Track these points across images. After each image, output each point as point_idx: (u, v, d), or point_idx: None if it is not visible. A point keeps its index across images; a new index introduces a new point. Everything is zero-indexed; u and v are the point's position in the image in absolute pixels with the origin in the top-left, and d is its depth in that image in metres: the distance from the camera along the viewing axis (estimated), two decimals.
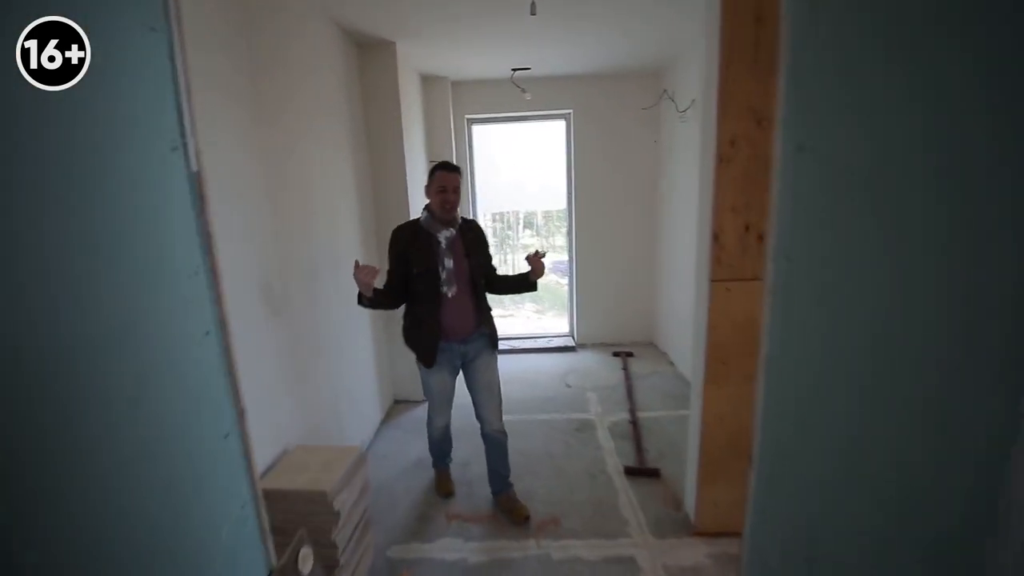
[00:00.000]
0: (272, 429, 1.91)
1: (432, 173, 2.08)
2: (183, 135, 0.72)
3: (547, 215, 11.43)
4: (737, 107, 1.71)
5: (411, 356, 2.25)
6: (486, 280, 2.20)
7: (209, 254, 0.76)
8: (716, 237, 1.79)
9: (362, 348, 2.97)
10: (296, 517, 1.67)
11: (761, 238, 1.78)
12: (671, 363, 4.10)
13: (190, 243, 0.73)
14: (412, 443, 2.92)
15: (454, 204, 2.07)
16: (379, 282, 2.03)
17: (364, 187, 3.12)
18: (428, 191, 2.10)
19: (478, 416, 2.30)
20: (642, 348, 4.50)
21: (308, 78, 2.39)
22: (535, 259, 2.10)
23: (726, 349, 1.93)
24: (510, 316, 7.76)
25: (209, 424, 0.77)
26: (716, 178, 1.74)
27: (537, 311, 8.20)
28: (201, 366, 0.76)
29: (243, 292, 1.75)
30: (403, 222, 2.23)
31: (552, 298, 8.81)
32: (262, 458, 1.82)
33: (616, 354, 4.33)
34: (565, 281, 9.12)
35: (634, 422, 3.08)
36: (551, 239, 11.85)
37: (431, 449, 2.55)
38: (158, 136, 0.69)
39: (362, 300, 2.01)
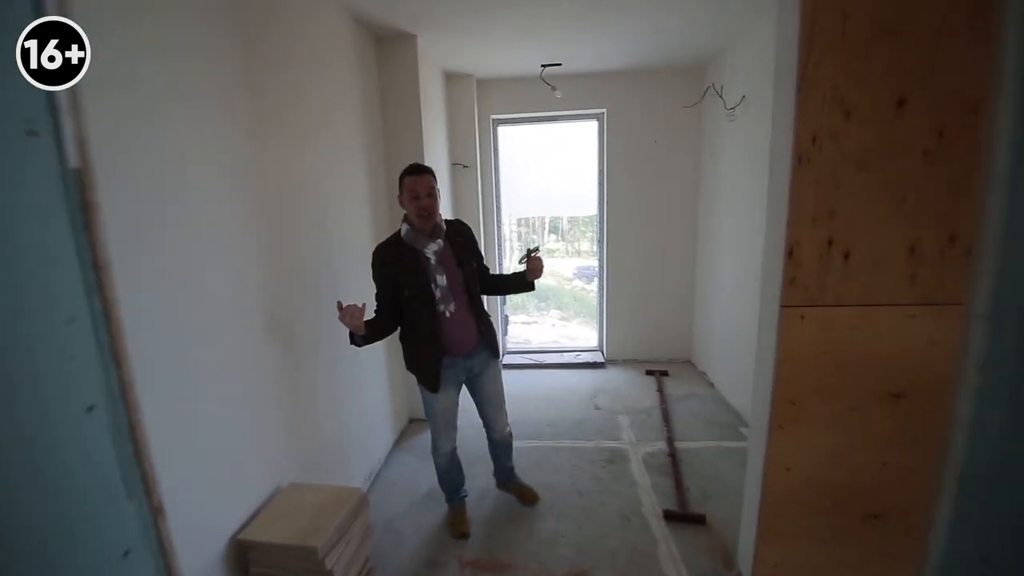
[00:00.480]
0: (262, 463, 1.68)
1: (400, 180, 1.87)
2: (52, 112, 0.47)
3: (572, 220, 11.14)
4: (820, 96, 1.40)
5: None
6: (488, 282, 2.12)
7: (99, 292, 0.51)
8: (791, 253, 1.48)
9: (373, 365, 2.74)
10: (283, 574, 1.43)
11: (847, 255, 1.46)
12: (710, 384, 3.74)
13: (65, 275, 0.48)
14: (426, 469, 2.66)
15: (432, 210, 1.85)
16: (368, 312, 1.81)
17: (379, 193, 2.89)
18: (401, 201, 1.89)
19: (487, 426, 2.27)
20: (678, 366, 4.15)
21: (318, 75, 2.17)
22: (532, 259, 1.98)
23: (797, 387, 1.60)
24: (534, 323, 7.48)
25: (97, 541, 0.51)
26: (793, 182, 1.42)
27: (563, 318, 7.90)
28: (81, 454, 0.50)
29: (226, 310, 1.52)
30: (384, 240, 1.97)
31: (578, 305, 8.50)
32: (249, 499, 1.59)
33: (650, 372, 4.00)
34: (592, 287, 8.90)
35: (672, 454, 2.76)
36: (576, 244, 11.54)
37: (441, 482, 2.30)
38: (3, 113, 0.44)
39: (355, 340, 1.78)
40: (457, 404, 2.14)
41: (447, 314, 1.90)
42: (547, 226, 11.28)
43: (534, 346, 4.89)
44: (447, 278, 1.90)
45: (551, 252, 10.94)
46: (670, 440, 2.92)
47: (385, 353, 2.88)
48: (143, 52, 1.21)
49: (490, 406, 2.21)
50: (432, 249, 1.87)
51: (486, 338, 2.07)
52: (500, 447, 2.35)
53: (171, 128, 1.29)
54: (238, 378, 1.55)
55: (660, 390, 3.62)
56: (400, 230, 1.92)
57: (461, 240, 1.99)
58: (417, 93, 2.95)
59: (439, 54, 3.27)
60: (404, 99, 2.95)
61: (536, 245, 2.03)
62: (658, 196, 4.01)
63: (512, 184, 4.65)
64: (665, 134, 3.90)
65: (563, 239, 11.65)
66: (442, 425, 2.10)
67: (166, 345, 1.25)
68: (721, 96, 3.12)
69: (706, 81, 3.67)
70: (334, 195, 2.31)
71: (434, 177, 1.89)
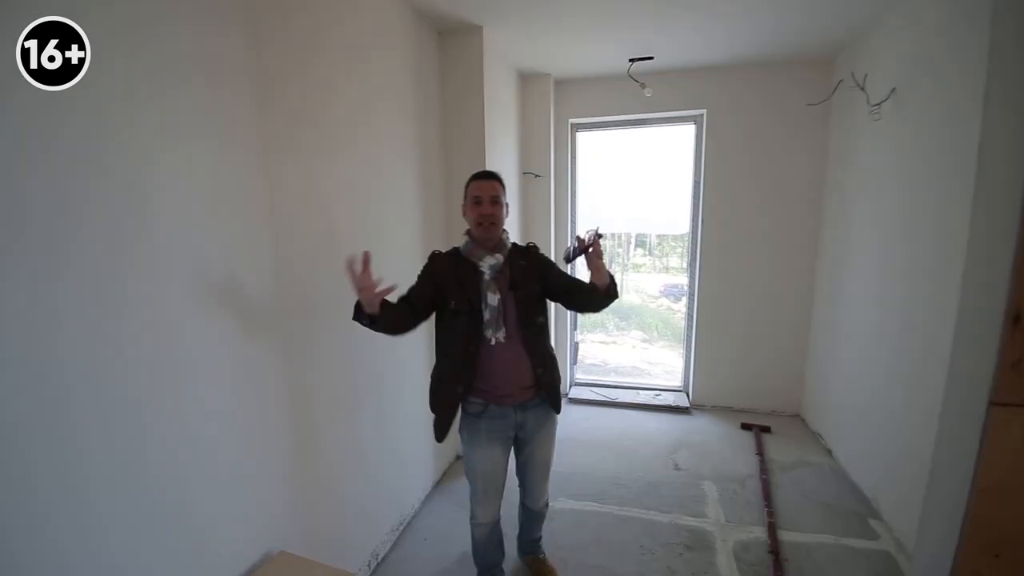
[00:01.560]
0: (246, 523, 1.38)
1: (466, 187, 1.68)
2: None
3: (662, 235, 10.33)
4: None
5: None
6: (569, 296, 1.71)
7: None
8: (1016, 320, 0.89)
9: (412, 391, 2.41)
10: None
11: None
12: (827, 451, 2.97)
13: None
14: (465, 524, 2.28)
15: (494, 218, 1.61)
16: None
17: (432, 206, 2.58)
18: (464, 211, 1.68)
19: (524, 492, 1.90)
20: (783, 422, 3.39)
21: (359, 69, 1.90)
22: (593, 254, 1.55)
23: (1006, 531, 0.99)
24: (612, 343, 6.87)
25: None
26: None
27: (645, 340, 7.22)
28: None
29: (219, 334, 1.25)
30: (448, 250, 1.71)
31: (662, 326, 7.75)
32: (226, 570, 1.30)
33: (746, 427, 3.30)
34: (679, 307, 8.09)
35: (775, 551, 2.11)
36: (665, 259, 10.66)
37: (475, 555, 1.90)
38: None
39: (361, 315, 1.43)
40: (505, 468, 1.75)
41: (493, 342, 1.57)
42: (633, 240, 10.58)
43: (606, 379, 4.34)
44: (500, 299, 1.59)
45: (636, 268, 10.22)
46: (772, 528, 2.27)
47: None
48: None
49: (536, 473, 1.82)
50: (489, 263, 1.60)
51: (545, 387, 1.68)
52: (532, 517, 1.98)
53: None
54: (211, 419, 1.27)
55: (760, 453, 2.92)
56: (459, 246, 1.68)
57: (523, 264, 1.68)
58: (481, 92, 2.61)
59: (512, 51, 2.93)
60: (466, 99, 2.63)
61: (592, 231, 1.54)
62: (767, 213, 3.32)
63: (590, 197, 4.18)
64: (779, 139, 3.22)
65: (650, 254, 10.88)
66: (482, 490, 1.74)
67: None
68: (863, 88, 2.42)
69: (836, 74, 2.96)
70: (372, 210, 2.02)
71: (502, 186, 1.66)
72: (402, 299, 1.57)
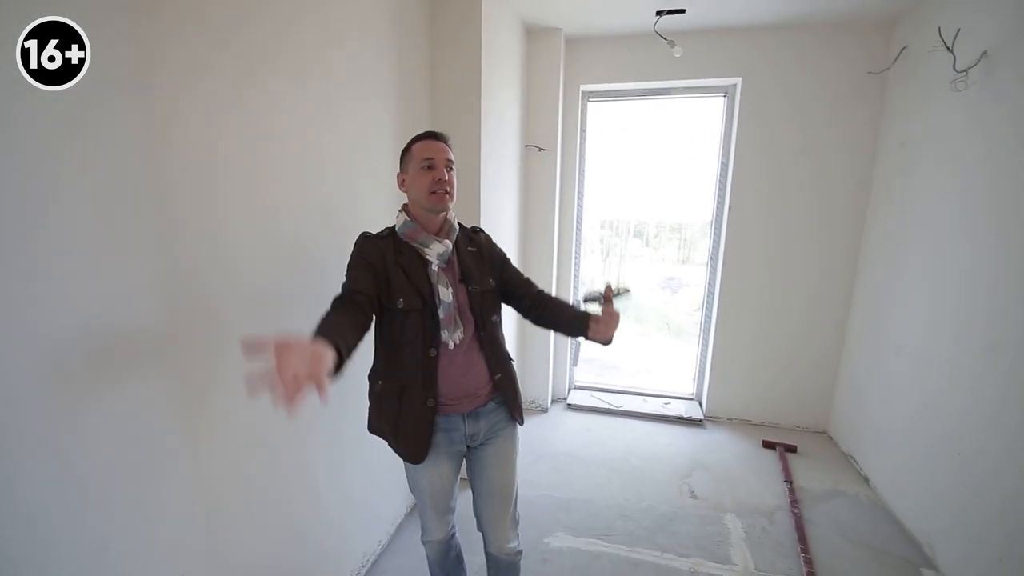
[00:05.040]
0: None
1: (406, 150, 1.32)
2: None
3: (660, 225, 9.92)
4: None
5: None
6: (531, 305, 1.43)
7: None
8: None
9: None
10: None
11: None
12: (863, 479, 2.59)
13: None
14: None
15: (452, 187, 1.29)
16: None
17: None
18: (403, 181, 1.33)
19: (485, 537, 1.47)
20: (809, 440, 3.01)
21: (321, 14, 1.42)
22: (607, 308, 1.30)
23: None
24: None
25: None
26: None
27: (642, 334, 6.86)
28: None
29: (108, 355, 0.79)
30: (380, 232, 1.34)
31: (659, 319, 7.41)
32: None
33: (769, 445, 2.91)
34: (676, 299, 7.75)
35: None
36: (661, 251, 10.24)
37: None
38: None
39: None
40: (454, 484, 1.46)
41: (450, 344, 1.27)
42: (632, 231, 10.16)
43: (605, 379, 3.93)
44: (453, 294, 1.29)
45: (634, 259, 9.82)
46: None
47: None
48: None
49: (495, 505, 1.41)
50: (437, 251, 1.29)
51: (501, 391, 1.38)
52: (500, 570, 1.50)
53: None
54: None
55: (789, 481, 2.53)
56: (395, 224, 1.32)
57: (473, 251, 1.39)
58: (478, 46, 2.13)
59: None
60: (459, 56, 2.15)
61: (620, 288, 1.29)
62: (803, 203, 2.89)
63: (600, 177, 3.72)
64: (823, 115, 2.77)
65: (648, 245, 10.48)
66: (431, 508, 1.44)
67: None
68: (951, 49, 1.97)
69: (896, 39, 2.50)
70: (337, 184, 1.55)
71: (451, 151, 1.31)
72: (343, 305, 1.15)
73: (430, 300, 1.25)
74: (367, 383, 1.36)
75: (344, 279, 1.23)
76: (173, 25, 0.97)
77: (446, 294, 1.27)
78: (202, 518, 1.11)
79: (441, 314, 1.25)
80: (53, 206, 0.79)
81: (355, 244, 1.29)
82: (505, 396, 1.39)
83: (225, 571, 1.19)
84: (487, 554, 1.52)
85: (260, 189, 1.25)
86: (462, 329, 1.29)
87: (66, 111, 0.79)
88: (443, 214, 1.31)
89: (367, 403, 1.35)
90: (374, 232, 1.32)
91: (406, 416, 1.28)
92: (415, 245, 1.28)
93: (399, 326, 1.24)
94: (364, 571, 1.85)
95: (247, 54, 1.17)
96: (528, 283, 1.46)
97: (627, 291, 1.30)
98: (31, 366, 0.78)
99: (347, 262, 1.25)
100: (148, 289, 0.96)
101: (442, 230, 1.32)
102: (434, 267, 1.28)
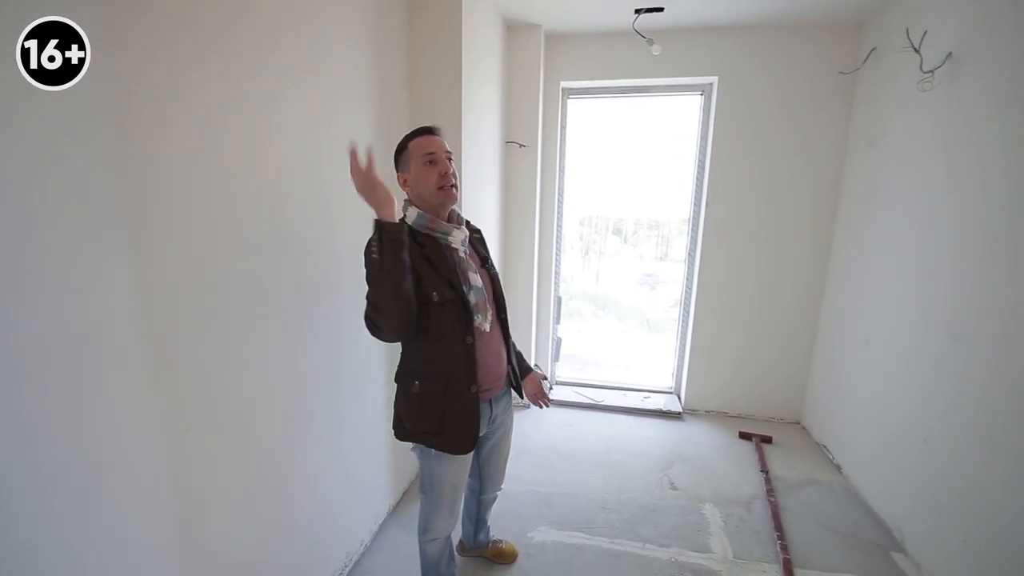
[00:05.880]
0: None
1: (402, 148, 1.34)
2: None
3: (638, 223, 10.04)
4: None
5: None
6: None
7: None
8: None
9: (368, 405, 1.96)
10: None
11: None
12: (836, 467, 2.68)
13: None
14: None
15: (455, 181, 1.33)
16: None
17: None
18: (404, 180, 1.35)
19: (483, 486, 1.73)
20: (783, 430, 3.09)
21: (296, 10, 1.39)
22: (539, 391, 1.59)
23: None
24: (578, 333, 6.50)
25: None
26: None
27: (621, 331, 6.96)
28: None
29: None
30: None
31: (638, 316, 7.52)
32: None
33: (745, 436, 2.98)
34: (654, 295, 7.88)
35: None
36: (639, 248, 10.37)
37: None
38: None
39: (382, 243, 1.11)
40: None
41: (485, 329, 1.35)
42: (610, 227, 10.25)
43: (586, 373, 3.97)
44: (481, 279, 1.37)
45: (613, 256, 9.93)
46: (788, 566, 1.93)
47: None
48: None
49: (501, 462, 1.69)
50: (460, 238, 1.35)
51: (513, 375, 1.53)
52: (488, 505, 1.84)
53: None
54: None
55: (765, 471, 2.60)
56: (404, 218, 1.28)
57: (478, 237, 1.50)
58: (459, 40, 2.12)
59: None
60: (440, 50, 2.13)
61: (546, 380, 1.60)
62: (777, 200, 2.96)
63: (579, 174, 3.74)
64: (795, 114, 2.84)
65: (627, 242, 10.59)
66: (449, 502, 1.47)
67: None
68: (918, 50, 2.04)
69: (865, 40, 2.58)
70: (315, 190, 1.52)
71: (446, 142, 1.35)
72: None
73: (459, 289, 1.29)
74: (395, 388, 1.40)
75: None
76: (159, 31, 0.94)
77: (476, 279, 1.32)
78: (176, 522, 1.08)
79: (473, 299, 1.30)
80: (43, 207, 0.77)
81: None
82: (515, 380, 1.52)
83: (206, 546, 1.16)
84: (479, 500, 1.79)
85: (242, 188, 1.22)
86: (491, 312, 1.36)
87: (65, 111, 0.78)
88: (456, 200, 1.36)
89: (367, 405, 1.34)
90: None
91: (452, 408, 1.31)
92: (437, 235, 1.31)
93: (435, 320, 1.26)
94: (347, 571, 1.83)
95: (231, 56, 1.14)
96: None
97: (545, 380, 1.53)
98: (2, 366, 0.74)
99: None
100: (127, 287, 0.92)
101: (452, 218, 1.37)
102: (461, 253, 1.34)
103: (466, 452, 1.37)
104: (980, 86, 1.83)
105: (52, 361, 0.81)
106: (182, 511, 1.09)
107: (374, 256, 1.11)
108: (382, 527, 2.12)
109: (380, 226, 1.12)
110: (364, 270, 1.17)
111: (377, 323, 1.17)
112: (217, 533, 1.21)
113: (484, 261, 1.44)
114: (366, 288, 1.17)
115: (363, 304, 1.17)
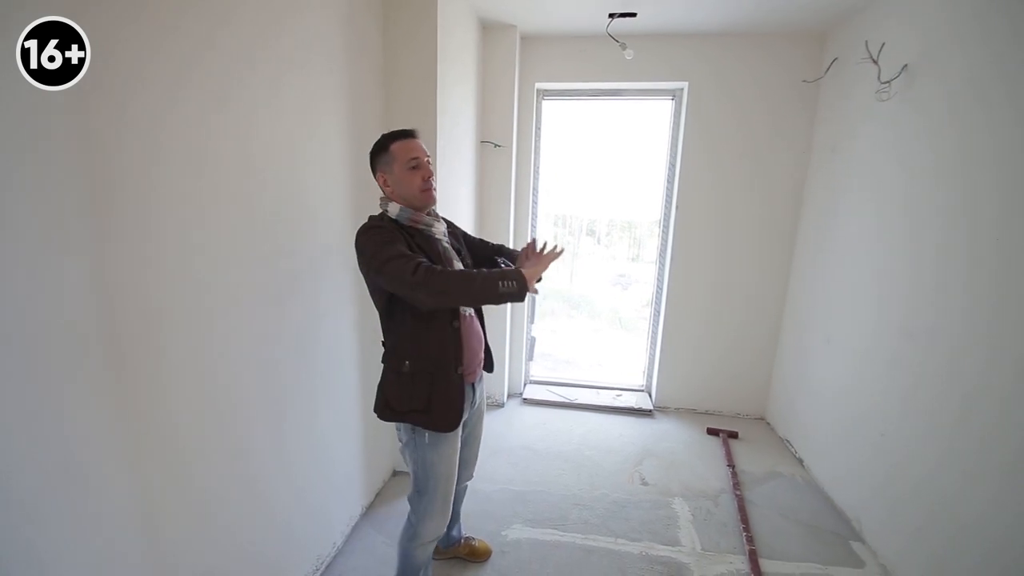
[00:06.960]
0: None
1: (383, 149, 1.38)
2: None
3: (611, 224, 10.19)
4: None
5: None
6: (484, 259, 1.66)
7: None
8: None
9: (341, 400, 1.93)
10: None
11: None
12: (798, 460, 2.78)
13: None
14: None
15: (435, 183, 1.43)
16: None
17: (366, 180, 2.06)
18: (385, 181, 1.40)
19: (459, 474, 1.64)
20: (748, 426, 3.19)
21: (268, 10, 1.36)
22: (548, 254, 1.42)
23: None
24: (552, 332, 6.56)
25: None
26: None
27: (595, 330, 7.03)
28: None
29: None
30: (374, 219, 1.39)
31: (611, 314, 7.63)
32: None
33: (713, 432, 3.07)
34: (627, 295, 8.01)
35: None
36: (612, 248, 10.52)
37: None
38: None
39: (515, 291, 1.25)
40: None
41: (467, 314, 1.47)
42: (584, 228, 10.36)
43: (559, 373, 4.01)
44: (462, 267, 1.48)
45: (585, 257, 10.04)
46: (753, 557, 2.00)
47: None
48: None
49: (475, 446, 1.72)
50: (441, 230, 1.46)
51: (488, 359, 1.64)
52: (458, 497, 1.86)
53: None
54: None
55: (731, 465, 2.68)
56: (385, 213, 1.40)
57: (452, 230, 1.60)
58: (435, 40, 2.11)
59: None
60: (415, 51, 2.12)
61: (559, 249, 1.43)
62: (744, 202, 3.05)
63: (553, 174, 3.77)
64: (762, 121, 2.94)
65: (600, 243, 10.73)
66: (442, 497, 1.48)
67: None
68: (876, 61, 2.14)
69: (828, 51, 2.70)
70: (285, 188, 1.49)
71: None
72: (442, 267, 1.29)
73: None
74: (383, 367, 1.44)
75: (400, 268, 1.20)
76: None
77: (459, 267, 1.43)
78: (141, 528, 1.05)
79: None
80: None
81: (373, 235, 1.29)
82: (490, 363, 1.63)
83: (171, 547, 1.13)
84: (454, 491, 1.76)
85: (206, 185, 1.18)
86: None
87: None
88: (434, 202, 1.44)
89: (340, 406, 1.32)
90: (364, 224, 1.34)
91: (440, 389, 1.37)
92: (422, 227, 1.39)
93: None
94: (319, 574, 1.80)
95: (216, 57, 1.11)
96: (484, 242, 1.69)
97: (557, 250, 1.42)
98: None
99: (376, 261, 1.24)
100: (86, 287, 0.89)
101: (430, 214, 1.46)
102: (445, 243, 1.44)
103: (453, 429, 1.41)
104: (937, 96, 1.92)
105: (8, 361, 0.78)
106: (152, 517, 1.05)
107: (501, 290, 1.22)
108: (354, 529, 2.09)
109: (525, 283, 1.25)
110: (397, 273, 1.21)
111: (436, 296, 1.21)
112: (183, 539, 1.17)
113: (459, 252, 1.53)
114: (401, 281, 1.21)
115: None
